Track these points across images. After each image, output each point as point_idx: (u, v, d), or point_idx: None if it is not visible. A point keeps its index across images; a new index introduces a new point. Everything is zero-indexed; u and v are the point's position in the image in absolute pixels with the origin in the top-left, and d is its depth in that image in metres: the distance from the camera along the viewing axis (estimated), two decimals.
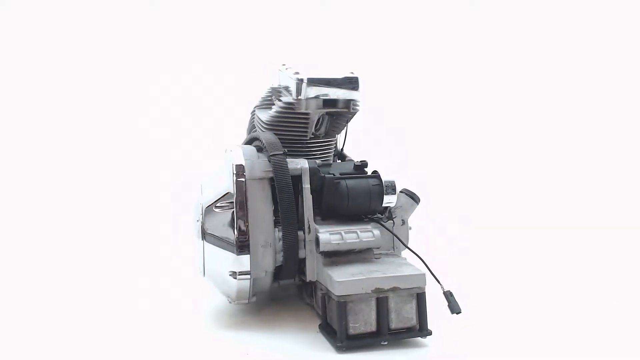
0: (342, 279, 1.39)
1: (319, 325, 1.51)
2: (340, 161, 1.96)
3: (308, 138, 1.76)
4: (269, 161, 1.55)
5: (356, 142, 1.97)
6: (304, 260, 1.54)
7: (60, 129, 2.85)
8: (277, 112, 1.73)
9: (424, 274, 1.45)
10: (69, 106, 2.88)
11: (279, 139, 1.73)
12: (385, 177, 1.61)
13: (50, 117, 2.87)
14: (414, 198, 1.67)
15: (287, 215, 1.51)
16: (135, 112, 2.83)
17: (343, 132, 2.00)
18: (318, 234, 1.50)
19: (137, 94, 2.85)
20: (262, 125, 1.79)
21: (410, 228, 1.73)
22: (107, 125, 2.84)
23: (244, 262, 1.49)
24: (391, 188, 1.60)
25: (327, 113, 1.78)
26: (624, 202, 2.74)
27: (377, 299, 1.41)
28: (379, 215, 1.66)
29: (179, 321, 1.62)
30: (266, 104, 1.85)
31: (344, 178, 1.59)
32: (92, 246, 2.29)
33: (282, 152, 1.57)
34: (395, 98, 2.79)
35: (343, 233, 1.51)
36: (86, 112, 2.84)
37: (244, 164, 1.54)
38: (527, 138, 2.97)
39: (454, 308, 1.51)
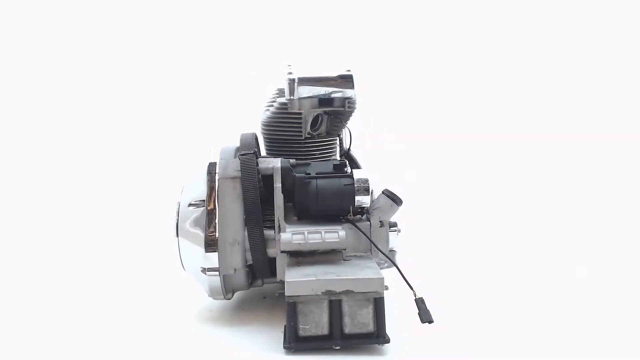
0: (292, 279, 1.38)
1: (285, 325, 1.50)
2: (347, 161, 1.94)
3: (303, 138, 1.75)
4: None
5: (359, 142, 1.93)
6: (275, 259, 1.55)
7: (60, 127, 3.02)
8: (272, 112, 1.75)
9: (381, 279, 1.39)
10: (69, 105, 3.04)
11: (276, 139, 1.77)
12: (358, 177, 1.56)
13: (48, 116, 3.03)
14: (395, 200, 1.59)
15: (252, 215, 1.52)
16: (136, 112, 2.97)
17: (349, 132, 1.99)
18: (280, 234, 1.50)
19: (138, 95, 2.99)
20: (261, 126, 1.82)
21: (398, 231, 1.67)
22: (106, 125, 2.99)
23: (212, 259, 1.53)
24: (364, 188, 1.55)
25: (325, 112, 1.77)
26: (622, 204, 2.63)
27: (330, 302, 1.37)
28: (359, 216, 1.61)
29: (158, 313, 1.69)
30: (271, 105, 1.88)
31: (316, 177, 1.57)
32: (85, 240, 2.42)
33: (252, 152, 1.58)
34: (400, 97, 2.72)
35: (306, 233, 1.49)
36: (86, 111, 3.02)
37: (217, 163, 1.59)
38: (525, 138, 2.87)
39: (424, 316, 1.43)
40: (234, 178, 1.56)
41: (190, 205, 1.58)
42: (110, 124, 2.99)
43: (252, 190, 1.53)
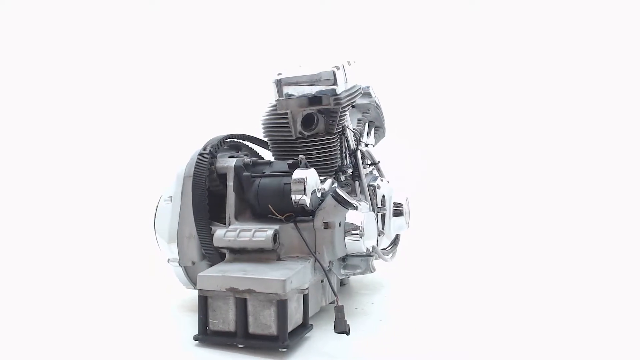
0: (204, 274, 1.42)
1: None
2: (355, 160, 1.88)
3: (294, 138, 1.77)
4: None
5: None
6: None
7: (63, 126, 3.22)
8: (267, 113, 1.82)
9: (282, 281, 1.34)
10: (69, 106, 3.22)
11: (273, 139, 1.82)
12: (295, 176, 1.52)
13: (46, 115, 3.23)
14: (339, 202, 1.51)
15: (198, 211, 1.60)
16: (136, 113, 3.12)
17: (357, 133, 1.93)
18: (216, 230, 1.55)
19: (139, 96, 3.14)
20: (261, 128, 1.89)
21: (361, 235, 1.57)
22: (112, 125, 3.18)
23: (173, 250, 1.66)
24: (300, 188, 1.50)
25: (318, 111, 1.76)
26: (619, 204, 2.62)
27: (237, 299, 1.38)
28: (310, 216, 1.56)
29: (145, 300, 1.86)
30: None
31: (260, 176, 1.58)
32: (84, 237, 2.64)
33: (207, 152, 1.66)
34: (401, 98, 2.50)
35: (238, 231, 1.52)
36: (92, 111, 3.22)
37: (184, 163, 1.71)
38: (525, 140, 2.78)
39: (339, 327, 1.35)
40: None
41: (165, 201, 1.73)
42: (114, 123, 3.20)
43: (200, 188, 1.61)
